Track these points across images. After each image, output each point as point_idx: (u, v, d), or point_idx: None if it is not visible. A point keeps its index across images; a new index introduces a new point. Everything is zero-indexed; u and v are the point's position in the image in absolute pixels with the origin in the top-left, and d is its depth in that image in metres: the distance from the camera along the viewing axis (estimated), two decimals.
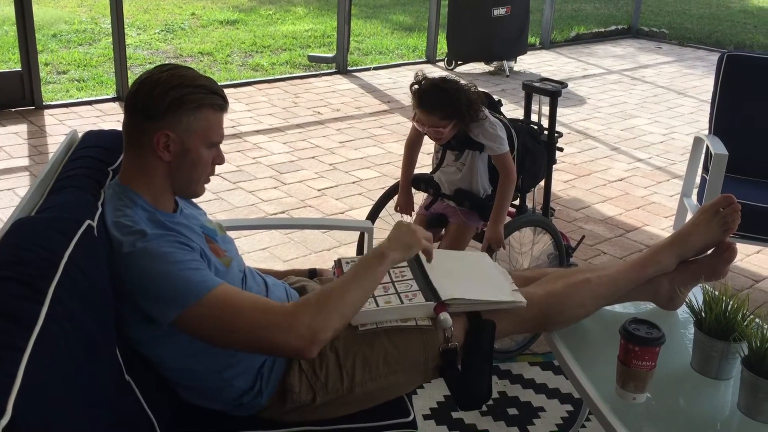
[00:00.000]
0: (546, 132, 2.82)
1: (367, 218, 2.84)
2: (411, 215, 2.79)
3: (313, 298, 1.51)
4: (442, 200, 2.69)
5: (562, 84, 2.85)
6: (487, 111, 2.49)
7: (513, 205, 2.77)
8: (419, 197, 2.80)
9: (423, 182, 2.74)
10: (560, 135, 2.88)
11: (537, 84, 2.84)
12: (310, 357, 1.47)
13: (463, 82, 2.46)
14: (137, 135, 1.54)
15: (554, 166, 2.90)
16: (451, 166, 2.64)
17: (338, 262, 1.89)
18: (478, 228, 2.69)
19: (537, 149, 2.72)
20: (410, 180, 2.74)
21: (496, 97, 2.70)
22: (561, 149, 2.92)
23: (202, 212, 1.77)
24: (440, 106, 2.39)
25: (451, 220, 2.67)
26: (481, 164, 2.59)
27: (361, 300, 1.56)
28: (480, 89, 2.53)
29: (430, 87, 2.40)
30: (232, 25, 8.76)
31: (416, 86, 2.44)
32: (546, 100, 2.83)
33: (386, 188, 2.90)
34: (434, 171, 2.71)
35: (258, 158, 4.57)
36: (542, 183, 2.92)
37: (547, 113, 2.82)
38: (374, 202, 2.87)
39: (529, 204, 2.87)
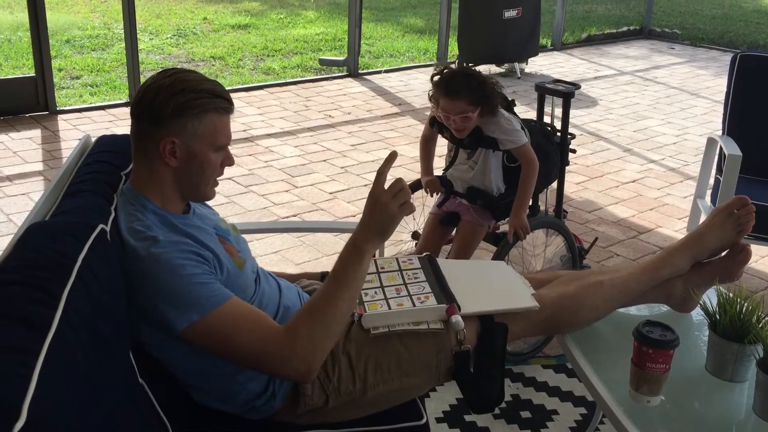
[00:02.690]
0: (559, 133, 2.81)
1: None
2: (439, 192, 2.72)
3: (304, 325, 1.48)
4: (455, 198, 2.69)
5: (575, 85, 2.84)
6: (499, 111, 2.49)
7: None
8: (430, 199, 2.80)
9: (438, 183, 2.74)
10: (573, 137, 2.86)
11: (550, 85, 2.83)
12: (306, 383, 1.56)
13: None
14: (144, 141, 1.55)
15: (566, 167, 2.89)
16: (463, 165, 2.64)
17: None
18: (489, 227, 2.68)
19: (550, 149, 2.71)
20: (431, 166, 2.71)
21: (509, 98, 2.70)
22: (574, 151, 2.91)
23: (215, 213, 1.78)
24: (468, 91, 2.37)
25: (464, 217, 2.66)
26: (495, 162, 2.58)
27: (349, 306, 1.54)
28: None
29: (456, 73, 2.40)
30: (243, 29, 8.79)
31: (438, 76, 2.42)
32: (559, 101, 2.81)
33: None
34: (446, 169, 2.71)
35: (270, 161, 4.58)
36: (555, 185, 2.91)
37: (560, 115, 2.81)
38: None
39: (542, 206, 2.85)
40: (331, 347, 1.53)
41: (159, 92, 1.50)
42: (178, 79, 1.52)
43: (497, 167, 2.60)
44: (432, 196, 2.75)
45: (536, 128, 2.71)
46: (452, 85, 2.38)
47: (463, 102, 2.38)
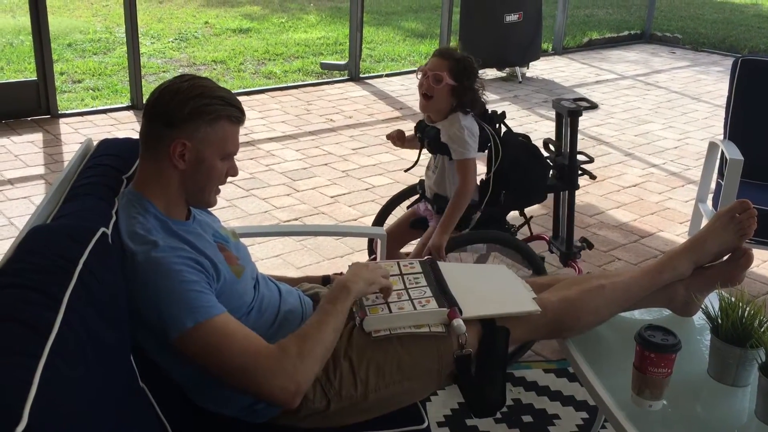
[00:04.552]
0: (561, 153, 2.70)
1: (374, 224, 2.85)
2: (400, 146, 2.79)
3: (294, 345, 1.51)
4: (425, 203, 2.70)
5: (592, 105, 2.70)
6: (463, 115, 2.47)
7: (507, 226, 2.68)
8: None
9: (418, 186, 2.77)
10: (590, 160, 2.68)
11: (565, 103, 2.70)
12: (291, 407, 1.51)
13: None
14: (154, 142, 1.56)
15: (577, 191, 2.76)
16: (429, 169, 2.65)
17: None
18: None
19: (533, 166, 2.60)
20: (407, 142, 2.76)
21: (499, 110, 2.64)
22: (593, 176, 2.71)
23: (216, 219, 1.78)
24: (457, 62, 2.45)
25: (430, 223, 2.65)
26: (454, 170, 2.54)
27: (335, 337, 1.59)
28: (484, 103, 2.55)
29: (458, 51, 2.50)
30: (244, 33, 8.81)
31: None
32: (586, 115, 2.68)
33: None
34: (408, 169, 2.79)
35: (271, 165, 4.59)
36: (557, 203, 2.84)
37: (587, 134, 2.67)
38: (380, 208, 2.88)
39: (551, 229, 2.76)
40: (318, 371, 1.55)
41: (176, 95, 1.53)
42: (196, 84, 1.55)
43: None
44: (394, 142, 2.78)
45: (519, 142, 2.61)
46: (448, 50, 2.49)
47: (447, 66, 2.44)
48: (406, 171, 2.79)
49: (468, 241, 2.55)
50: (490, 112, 2.60)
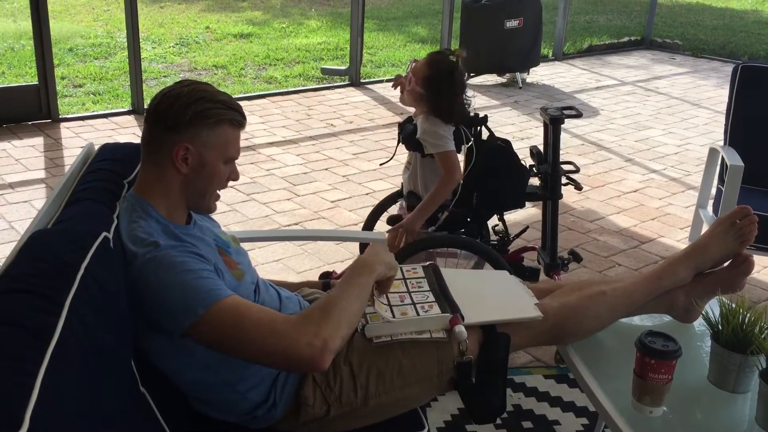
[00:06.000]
0: (546, 161, 2.67)
1: (364, 228, 2.86)
2: None
3: (315, 309, 1.49)
4: (402, 201, 2.73)
5: (577, 113, 2.67)
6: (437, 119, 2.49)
7: (502, 235, 2.66)
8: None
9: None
10: (576, 169, 2.65)
11: (551, 111, 2.67)
12: (322, 368, 1.43)
13: (470, 93, 2.54)
14: (156, 146, 1.57)
15: (561, 200, 2.73)
16: (406, 166, 2.68)
17: None
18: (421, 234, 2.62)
19: (507, 172, 2.57)
20: None
21: (481, 114, 2.63)
22: (579, 187, 2.66)
23: (216, 224, 1.79)
24: (436, 72, 2.46)
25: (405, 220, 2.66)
26: (428, 169, 2.56)
27: (360, 307, 1.55)
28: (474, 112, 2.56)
29: (448, 60, 2.50)
30: (245, 38, 8.82)
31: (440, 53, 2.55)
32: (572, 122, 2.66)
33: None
34: (383, 163, 2.85)
35: (272, 170, 4.59)
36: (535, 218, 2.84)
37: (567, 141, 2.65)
38: (369, 213, 2.89)
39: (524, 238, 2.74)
40: (346, 335, 1.48)
41: (178, 99, 1.54)
42: (197, 89, 1.57)
43: (432, 174, 2.55)
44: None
45: (496, 146, 2.58)
46: (436, 57, 2.51)
47: (424, 72, 2.47)
48: (381, 165, 2.80)
49: (431, 245, 2.54)
50: (471, 115, 2.60)
